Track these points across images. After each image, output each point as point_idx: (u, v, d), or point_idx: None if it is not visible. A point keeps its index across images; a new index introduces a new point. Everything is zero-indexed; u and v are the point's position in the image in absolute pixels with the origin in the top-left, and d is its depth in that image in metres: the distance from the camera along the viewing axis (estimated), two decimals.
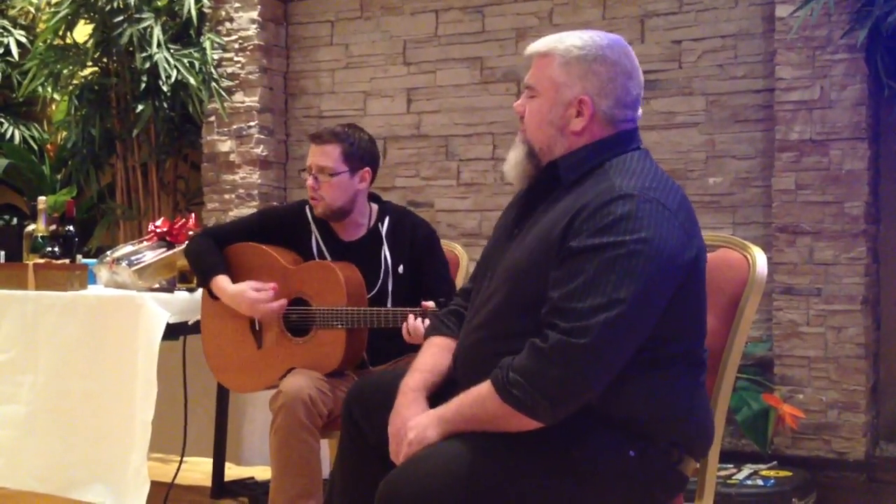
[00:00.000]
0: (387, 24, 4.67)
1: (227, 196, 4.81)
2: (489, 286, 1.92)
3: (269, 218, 3.10)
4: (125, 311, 3.07)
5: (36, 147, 5.47)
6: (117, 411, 3.06)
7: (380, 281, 2.93)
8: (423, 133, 4.56)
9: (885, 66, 3.53)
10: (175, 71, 4.61)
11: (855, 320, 3.59)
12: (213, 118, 4.84)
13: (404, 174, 4.57)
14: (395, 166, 4.61)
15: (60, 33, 4.96)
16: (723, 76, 3.99)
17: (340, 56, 4.79)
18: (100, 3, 4.73)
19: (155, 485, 3.04)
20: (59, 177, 5.42)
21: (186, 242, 3.10)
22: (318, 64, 4.84)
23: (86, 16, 4.91)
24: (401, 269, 2.94)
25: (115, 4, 4.70)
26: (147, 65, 4.64)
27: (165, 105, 4.79)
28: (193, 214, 3.72)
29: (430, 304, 2.63)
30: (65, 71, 4.91)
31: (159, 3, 4.80)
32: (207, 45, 4.74)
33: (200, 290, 3.22)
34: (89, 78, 5.07)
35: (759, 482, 3.34)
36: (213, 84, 4.70)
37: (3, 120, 5.37)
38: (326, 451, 3.26)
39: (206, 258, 2.95)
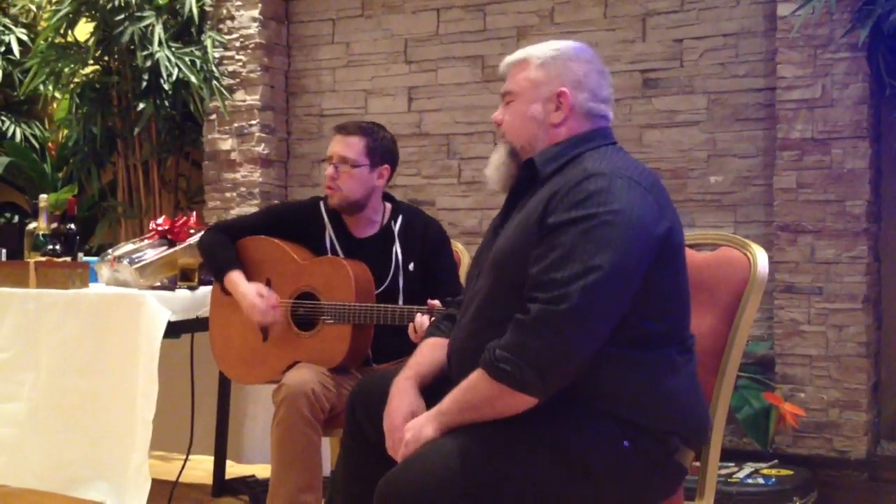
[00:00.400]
0: (388, 22, 4.67)
1: (228, 194, 4.82)
2: (477, 283, 1.97)
3: (282, 213, 3.12)
4: (126, 310, 3.07)
5: (37, 145, 5.48)
6: (118, 409, 3.06)
7: (389, 277, 2.95)
8: (425, 131, 4.56)
9: (886, 64, 3.53)
10: (176, 69, 4.61)
11: (856, 319, 3.59)
12: (214, 116, 4.84)
13: (405, 172, 4.56)
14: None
15: (62, 31, 4.97)
16: (724, 75, 3.99)
17: (341, 54, 4.79)
18: (101, 2, 4.74)
19: (156, 483, 3.04)
20: (60, 175, 5.42)
21: (199, 235, 3.11)
22: (319, 62, 4.85)
23: (87, 14, 4.91)
24: (411, 266, 2.97)
25: (117, 3, 4.70)
26: (148, 63, 4.64)
27: (167, 103, 4.79)
28: (195, 213, 3.72)
29: (437, 302, 2.64)
30: (66, 69, 4.91)
31: (160, 2, 4.80)
32: (209, 43, 4.74)
33: (202, 289, 3.24)
34: (90, 76, 5.08)
35: (761, 481, 3.34)
36: (215, 82, 4.70)
37: (4, 118, 5.38)
38: (328, 449, 3.27)
39: (220, 253, 2.98)
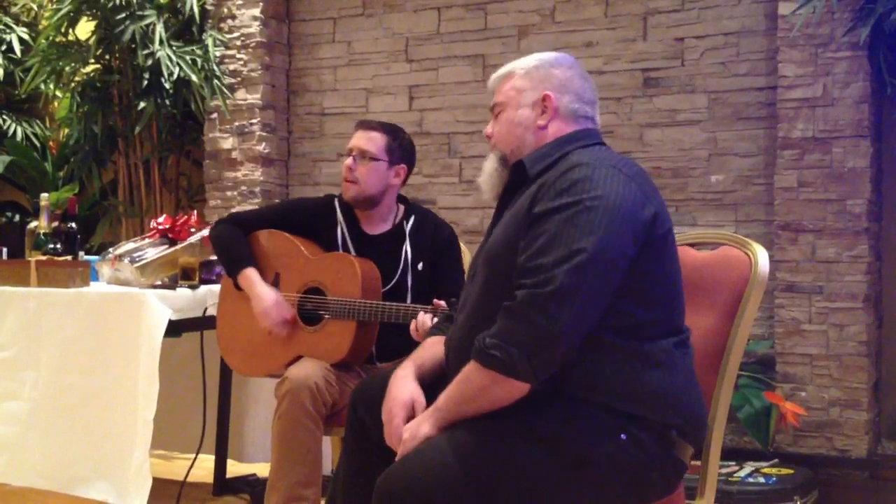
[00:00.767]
0: (389, 21, 4.67)
1: (229, 193, 4.82)
2: (474, 281, 2.00)
3: (296, 208, 3.14)
4: (127, 308, 3.07)
5: (38, 144, 5.48)
6: (119, 408, 3.06)
7: (397, 274, 2.96)
8: (426, 130, 4.56)
9: (887, 63, 3.53)
10: (177, 68, 4.61)
11: (857, 318, 3.59)
12: (215, 115, 4.84)
13: None
14: None
15: (63, 30, 4.97)
16: (725, 74, 3.99)
17: (342, 53, 4.79)
18: (102, 1, 4.73)
19: (157, 482, 3.04)
20: (61, 174, 5.43)
21: (211, 227, 3.13)
22: (320, 61, 4.85)
23: (88, 13, 4.91)
24: (420, 266, 2.98)
25: (118, 1, 4.70)
26: (149, 62, 4.64)
27: (168, 102, 4.79)
28: (195, 211, 3.73)
29: (442, 302, 2.65)
30: (67, 68, 4.91)
31: (161, 1, 4.80)
32: (210, 42, 4.74)
33: (203, 288, 3.24)
34: (91, 75, 5.08)
35: (761, 480, 3.34)
36: (216, 81, 4.70)
37: (5, 117, 5.38)
38: (329, 448, 3.27)
39: (235, 247, 3.00)
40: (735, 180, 3.96)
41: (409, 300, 2.94)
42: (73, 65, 4.91)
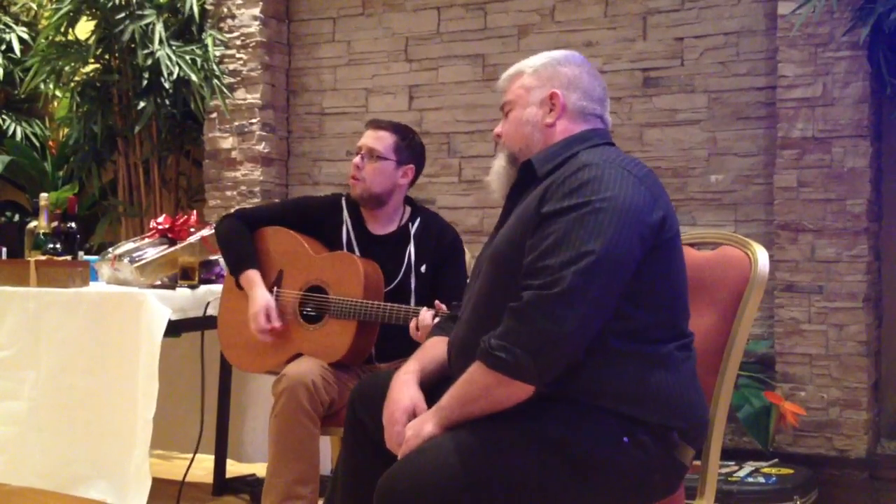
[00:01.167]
0: (389, 20, 4.67)
1: (228, 193, 4.82)
2: (477, 281, 1.99)
3: (302, 206, 3.15)
4: (127, 308, 3.07)
5: (38, 144, 5.48)
6: (119, 408, 3.06)
7: (400, 275, 2.97)
8: (425, 130, 4.56)
9: (887, 63, 3.53)
10: (177, 68, 4.61)
11: (856, 318, 3.59)
12: (214, 115, 4.84)
13: None
14: None
15: (62, 30, 4.96)
16: (725, 73, 3.98)
17: (342, 53, 4.79)
18: (101, 0, 4.73)
19: (157, 482, 3.04)
20: (60, 173, 5.42)
21: (217, 222, 3.13)
22: (319, 61, 4.84)
23: (88, 12, 4.91)
24: (423, 268, 2.99)
25: (117, 1, 4.70)
26: (149, 61, 4.64)
27: (167, 102, 4.79)
28: (195, 211, 3.73)
29: (443, 306, 2.65)
30: (67, 68, 4.91)
31: (161, 0, 4.80)
32: (209, 41, 4.74)
33: (202, 287, 3.24)
34: (91, 75, 5.08)
35: (761, 480, 3.34)
36: (215, 81, 4.70)
37: (5, 117, 5.38)
38: (328, 448, 3.27)
39: (239, 246, 3.01)
40: (735, 180, 3.96)
41: (412, 302, 2.93)
42: (72, 64, 4.91)
